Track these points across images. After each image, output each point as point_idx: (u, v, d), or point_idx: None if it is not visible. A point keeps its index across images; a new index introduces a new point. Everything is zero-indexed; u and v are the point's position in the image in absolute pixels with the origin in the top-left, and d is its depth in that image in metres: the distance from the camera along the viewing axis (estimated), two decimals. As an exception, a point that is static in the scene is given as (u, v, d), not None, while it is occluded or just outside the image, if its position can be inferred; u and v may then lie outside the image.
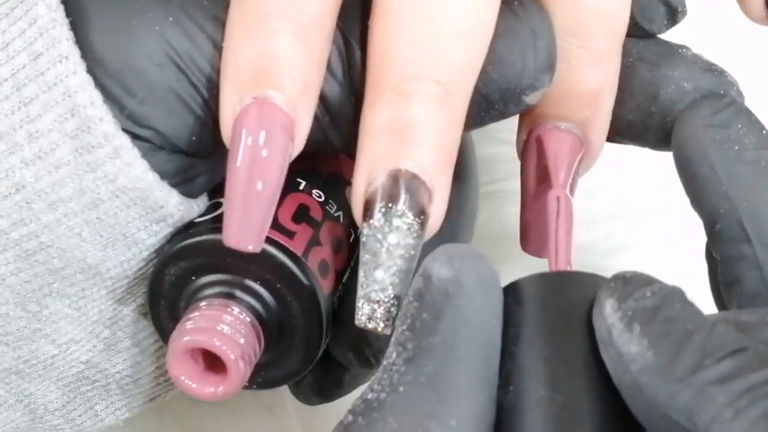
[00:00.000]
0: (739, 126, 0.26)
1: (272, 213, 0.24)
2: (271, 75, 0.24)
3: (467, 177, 0.31)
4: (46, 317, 0.28)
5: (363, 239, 0.24)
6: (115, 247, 0.27)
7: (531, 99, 0.26)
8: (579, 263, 0.26)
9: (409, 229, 0.24)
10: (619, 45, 0.27)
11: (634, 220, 0.45)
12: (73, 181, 0.25)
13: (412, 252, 0.24)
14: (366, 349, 0.28)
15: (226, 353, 0.26)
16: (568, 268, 0.25)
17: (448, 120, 0.24)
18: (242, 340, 0.26)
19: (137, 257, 0.27)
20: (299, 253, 0.27)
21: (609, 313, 0.21)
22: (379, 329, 0.24)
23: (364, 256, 0.24)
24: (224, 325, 0.26)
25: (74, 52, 0.24)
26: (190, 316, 0.27)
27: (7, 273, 0.27)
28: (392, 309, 0.24)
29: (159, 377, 0.31)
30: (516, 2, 0.26)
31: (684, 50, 0.29)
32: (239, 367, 0.26)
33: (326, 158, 0.30)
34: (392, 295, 0.24)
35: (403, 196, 0.23)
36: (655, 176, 0.38)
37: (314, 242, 0.28)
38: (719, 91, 0.28)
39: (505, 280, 0.23)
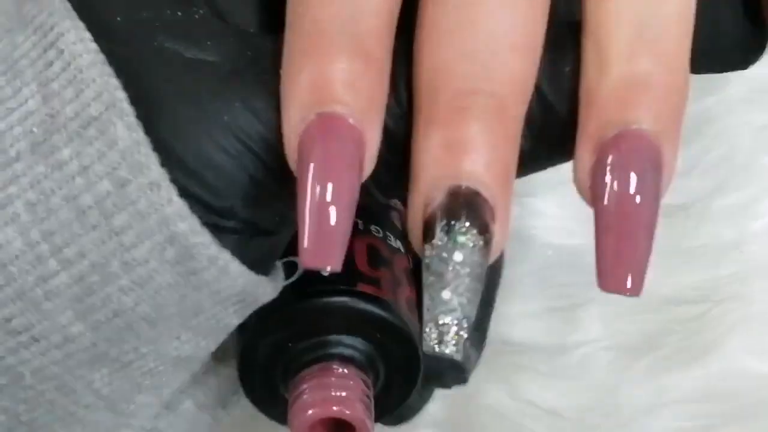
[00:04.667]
0: None
1: (350, 227, 0.22)
2: (334, 91, 0.22)
3: None
4: (131, 412, 0.27)
5: (426, 261, 0.23)
6: (208, 339, 0.26)
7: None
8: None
9: (474, 246, 0.22)
10: None
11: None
12: (176, 301, 0.24)
13: (479, 270, 0.23)
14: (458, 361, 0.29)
15: (352, 416, 0.26)
16: None
17: (506, 135, 0.23)
18: (359, 397, 0.26)
19: (223, 338, 0.27)
20: (390, 300, 0.27)
21: None
22: (450, 354, 0.23)
23: (429, 279, 0.23)
24: (339, 389, 0.26)
25: (164, 178, 0.23)
26: (302, 387, 0.26)
27: (101, 386, 0.26)
28: (462, 332, 0.23)
29: (213, 427, 0.31)
30: None
31: None
32: (366, 425, 0.26)
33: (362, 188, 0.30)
34: (461, 317, 0.23)
35: (465, 213, 0.22)
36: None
37: (396, 282, 0.28)
38: None
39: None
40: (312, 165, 0.22)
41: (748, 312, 0.42)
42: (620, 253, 0.22)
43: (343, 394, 0.26)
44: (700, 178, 0.44)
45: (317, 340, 0.27)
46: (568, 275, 0.42)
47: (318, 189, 0.22)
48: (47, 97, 0.23)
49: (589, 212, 0.34)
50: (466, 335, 0.23)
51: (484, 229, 0.22)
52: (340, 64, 0.22)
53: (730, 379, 0.41)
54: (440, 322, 0.22)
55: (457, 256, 0.22)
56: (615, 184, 0.22)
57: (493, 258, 0.23)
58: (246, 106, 0.23)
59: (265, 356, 0.27)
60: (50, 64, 0.24)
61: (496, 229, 0.23)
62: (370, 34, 0.23)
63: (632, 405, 0.41)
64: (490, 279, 0.31)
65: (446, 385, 0.32)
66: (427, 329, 0.23)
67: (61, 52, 0.23)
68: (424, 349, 0.23)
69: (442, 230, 0.22)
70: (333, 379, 0.26)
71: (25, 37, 0.24)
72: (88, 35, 0.23)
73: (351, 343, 0.27)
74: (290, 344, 0.27)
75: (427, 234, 0.22)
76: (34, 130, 0.23)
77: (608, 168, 0.22)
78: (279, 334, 0.27)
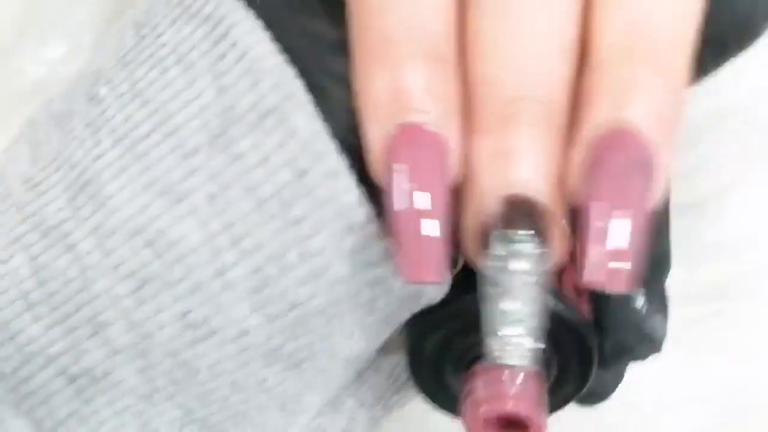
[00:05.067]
0: None
1: (445, 237, 0.22)
2: (412, 99, 0.22)
3: None
4: (301, 410, 0.28)
5: (485, 271, 0.22)
6: (379, 336, 0.26)
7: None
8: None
9: (532, 254, 0.22)
10: None
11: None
12: (350, 296, 0.24)
13: (539, 279, 0.22)
14: (646, 328, 0.29)
15: (527, 414, 0.26)
16: None
17: (555, 140, 0.23)
18: (533, 393, 0.26)
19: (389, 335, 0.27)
20: (557, 291, 0.26)
21: None
22: (517, 364, 0.22)
23: (488, 290, 0.22)
24: (513, 385, 0.26)
25: (341, 166, 0.23)
26: (475, 383, 0.26)
27: (274, 384, 0.26)
28: (524, 341, 0.22)
29: (371, 425, 0.31)
30: None
31: None
32: (540, 421, 0.26)
33: None
34: (523, 327, 0.22)
35: (522, 220, 0.22)
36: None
37: (562, 269, 0.27)
38: None
39: None
40: (401, 178, 0.22)
41: (761, 309, 0.42)
42: (607, 248, 0.21)
43: (517, 390, 0.25)
44: (714, 176, 0.44)
45: None
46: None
47: (411, 202, 0.22)
48: (222, 89, 0.24)
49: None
50: (529, 345, 0.22)
51: (541, 236, 0.22)
52: (415, 71, 0.22)
53: (747, 375, 0.41)
54: (501, 333, 0.22)
55: (515, 265, 0.22)
56: (604, 182, 0.21)
57: (552, 265, 0.23)
58: None
59: (435, 351, 0.27)
60: (223, 56, 0.24)
61: (554, 235, 0.22)
62: (440, 36, 0.22)
63: (651, 403, 0.41)
64: (662, 229, 0.31)
65: (640, 358, 0.31)
66: (489, 341, 0.22)
67: (234, 43, 0.23)
68: (488, 362, 0.22)
69: (499, 240, 0.22)
70: (506, 373, 0.26)
71: (192, 28, 0.24)
72: (259, 25, 0.23)
73: None
74: (459, 338, 0.27)
75: (483, 244, 0.22)
76: (211, 122, 0.24)
77: (598, 164, 0.21)
78: (448, 328, 0.27)
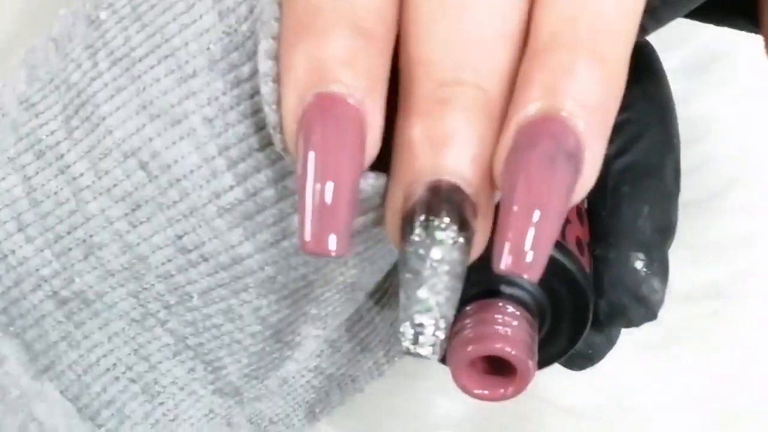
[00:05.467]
0: None
1: (352, 212, 0.21)
2: (333, 70, 0.21)
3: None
4: (297, 342, 0.28)
5: (404, 257, 0.22)
6: (374, 266, 0.26)
7: None
8: None
9: (454, 243, 0.21)
10: None
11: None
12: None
13: (459, 269, 0.21)
14: (643, 290, 0.29)
15: (516, 357, 0.25)
16: None
17: (491, 128, 0.22)
18: (523, 337, 0.25)
19: (389, 267, 0.27)
20: (563, 243, 0.26)
21: None
22: (425, 356, 0.21)
23: (405, 276, 0.21)
24: (503, 326, 0.25)
25: None
26: (465, 322, 0.26)
27: (268, 313, 0.26)
28: (438, 333, 0.21)
29: (373, 371, 0.31)
30: None
31: None
32: (529, 366, 0.25)
33: None
34: (438, 317, 0.21)
35: (445, 208, 0.21)
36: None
37: (565, 221, 0.27)
38: None
39: None
40: (312, 151, 0.21)
41: (762, 309, 0.42)
42: (523, 234, 0.20)
43: (508, 331, 0.25)
44: (714, 174, 0.44)
45: (485, 274, 0.25)
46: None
47: (319, 174, 0.21)
48: (222, 13, 0.23)
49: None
50: (443, 336, 0.21)
51: (464, 226, 0.21)
52: (337, 42, 0.21)
53: (747, 375, 0.41)
54: (416, 321, 0.21)
55: (436, 253, 0.21)
56: (526, 165, 0.20)
57: (474, 256, 0.22)
58: None
59: None
60: None
61: (479, 225, 0.22)
62: (368, 10, 0.21)
63: (650, 402, 0.41)
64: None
65: (634, 322, 0.30)
66: (402, 329, 0.21)
67: None
68: (401, 350, 0.22)
69: (420, 226, 0.21)
70: (497, 316, 0.25)
71: None
72: None
73: (519, 283, 0.26)
74: None
75: (405, 229, 0.21)
76: (211, 47, 0.23)
77: (522, 149, 0.21)
78: None
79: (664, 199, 0.31)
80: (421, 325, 0.21)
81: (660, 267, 0.30)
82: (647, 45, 0.33)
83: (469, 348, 0.25)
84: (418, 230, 0.21)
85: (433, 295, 0.21)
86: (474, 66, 0.21)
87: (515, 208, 0.20)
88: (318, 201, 0.20)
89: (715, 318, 0.41)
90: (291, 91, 0.21)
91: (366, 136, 0.21)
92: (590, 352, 0.31)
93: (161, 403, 0.28)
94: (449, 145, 0.21)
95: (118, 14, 0.25)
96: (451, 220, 0.21)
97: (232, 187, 0.24)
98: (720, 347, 0.41)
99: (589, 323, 0.27)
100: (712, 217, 0.42)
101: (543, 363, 0.28)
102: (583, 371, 0.40)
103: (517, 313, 0.26)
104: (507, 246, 0.20)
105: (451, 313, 0.21)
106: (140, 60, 0.24)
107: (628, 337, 0.41)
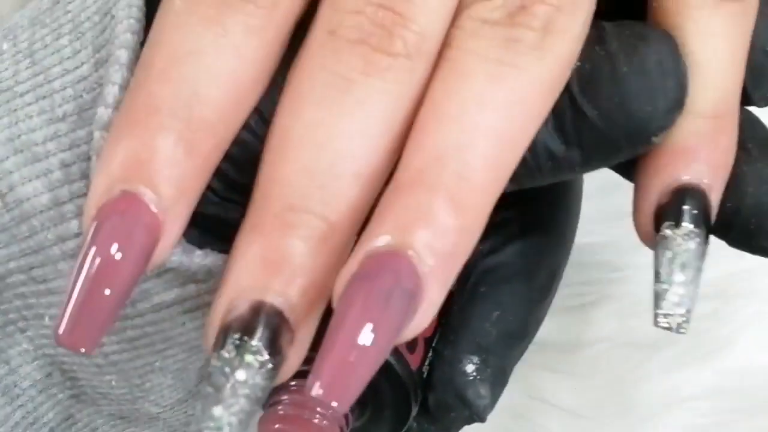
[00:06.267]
0: None
1: (113, 317, 0.21)
2: (146, 171, 0.21)
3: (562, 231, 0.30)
4: (148, 389, 0.28)
5: (209, 370, 0.21)
6: None
7: (658, 139, 0.23)
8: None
9: (261, 367, 0.21)
10: None
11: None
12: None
13: (259, 394, 0.21)
14: (468, 394, 0.29)
15: None
16: None
17: (327, 260, 0.22)
18: (330, 427, 0.27)
19: None
20: None
21: None
22: None
23: (206, 389, 0.21)
24: (312, 412, 0.27)
25: None
26: (280, 398, 0.27)
27: (110, 352, 0.27)
28: None
29: None
30: (631, 31, 0.23)
31: None
32: None
33: None
34: None
35: (260, 331, 0.21)
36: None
37: None
38: None
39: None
40: (94, 246, 0.21)
41: (761, 308, 0.42)
42: (341, 367, 0.20)
43: (317, 420, 0.26)
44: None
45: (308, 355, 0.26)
46: (581, 273, 0.42)
47: (92, 272, 0.21)
48: (98, 64, 0.24)
49: (604, 210, 0.34)
50: None
51: (276, 352, 0.21)
52: (162, 146, 0.21)
53: (744, 375, 0.40)
54: None
55: (240, 375, 0.21)
56: (362, 296, 0.20)
57: (280, 382, 0.22)
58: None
59: None
60: (104, 29, 0.24)
61: (291, 353, 0.22)
62: (201, 125, 0.22)
63: (647, 402, 0.40)
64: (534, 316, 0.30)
65: (459, 421, 0.30)
66: None
67: (113, 16, 0.24)
68: None
69: (232, 343, 0.21)
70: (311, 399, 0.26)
71: None
72: (137, 3, 0.24)
73: None
74: None
75: (218, 343, 0.21)
76: (84, 95, 0.24)
77: (362, 278, 0.20)
78: None
79: (521, 305, 0.30)
80: None
81: (493, 374, 0.30)
82: None
83: (276, 426, 0.27)
84: (229, 347, 0.21)
85: (227, 415, 0.21)
86: (324, 199, 0.21)
87: (340, 337, 0.20)
88: (82, 298, 0.21)
89: (712, 318, 0.41)
90: (103, 178, 0.21)
91: (157, 244, 0.21)
92: None
93: (20, 406, 0.28)
94: (281, 269, 0.21)
95: (17, 47, 0.25)
96: (263, 344, 0.21)
97: (77, 235, 0.24)
98: (720, 347, 0.41)
99: (412, 415, 0.28)
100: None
101: None
102: (579, 371, 0.40)
103: None
104: (322, 376, 0.20)
105: None
106: (21, 95, 0.25)
107: (624, 336, 0.41)
